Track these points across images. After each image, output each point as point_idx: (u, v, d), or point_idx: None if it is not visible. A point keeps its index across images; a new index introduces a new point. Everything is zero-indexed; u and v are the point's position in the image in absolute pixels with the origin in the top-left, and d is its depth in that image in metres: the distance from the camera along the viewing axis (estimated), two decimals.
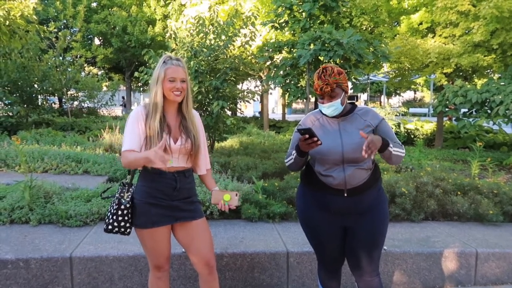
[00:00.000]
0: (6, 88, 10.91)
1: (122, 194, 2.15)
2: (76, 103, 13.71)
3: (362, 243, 2.19)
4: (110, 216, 2.14)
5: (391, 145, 2.05)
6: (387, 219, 2.25)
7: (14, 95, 11.03)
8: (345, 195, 2.14)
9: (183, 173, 2.18)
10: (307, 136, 1.92)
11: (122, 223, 2.12)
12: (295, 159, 2.19)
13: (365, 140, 1.88)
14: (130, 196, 2.15)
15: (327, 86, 2.05)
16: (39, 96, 11.97)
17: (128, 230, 2.16)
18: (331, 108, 2.11)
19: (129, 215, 2.13)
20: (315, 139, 1.92)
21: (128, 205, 2.12)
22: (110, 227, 2.14)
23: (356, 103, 2.31)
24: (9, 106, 11.21)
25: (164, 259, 2.22)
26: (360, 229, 2.19)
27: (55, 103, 14.63)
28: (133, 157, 2.00)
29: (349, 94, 2.24)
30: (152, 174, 2.11)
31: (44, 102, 12.33)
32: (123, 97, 26.80)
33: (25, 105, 11.34)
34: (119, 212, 2.11)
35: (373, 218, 2.19)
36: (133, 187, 2.21)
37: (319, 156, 2.16)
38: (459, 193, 4.29)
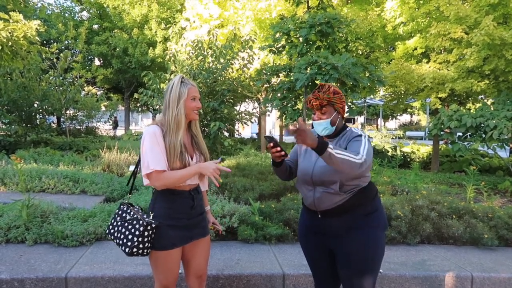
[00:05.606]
0: (5, 107, 10.98)
1: (139, 214, 2.14)
2: (74, 122, 13.76)
3: (345, 267, 2.15)
4: (135, 239, 2.06)
5: (330, 146, 1.84)
6: (373, 244, 2.11)
7: (13, 114, 11.09)
8: (319, 216, 2.18)
9: (197, 190, 2.25)
10: (271, 144, 1.97)
11: (146, 244, 2.08)
12: (272, 167, 2.27)
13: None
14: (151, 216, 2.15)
15: (316, 100, 2.12)
16: (37, 115, 12.04)
17: (149, 250, 2.11)
18: (321, 126, 2.15)
19: (153, 235, 2.10)
20: (279, 149, 1.96)
21: (154, 225, 2.08)
22: (135, 249, 2.06)
23: (353, 126, 2.34)
24: (7, 125, 11.26)
25: (174, 279, 2.22)
26: (341, 252, 2.16)
27: (54, 123, 14.67)
28: (180, 176, 2.05)
29: (344, 117, 2.28)
30: (170, 194, 2.14)
31: (43, 122, 12.36)
32: (115, 117, 26.46)
33: (24, 124, 11.38)
34: (146, 233, 2.07)
35: (353, 242, 2.11)
36: (137, 207, 2.24)
37: (298, 174, 2.26)
38: (454, 216, 4.32)
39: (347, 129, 2.22)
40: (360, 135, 2.11)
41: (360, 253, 2.10)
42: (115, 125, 26.75)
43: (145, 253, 2.11)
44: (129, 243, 2.08)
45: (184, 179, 2.08)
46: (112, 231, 2.22)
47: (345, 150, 1.92)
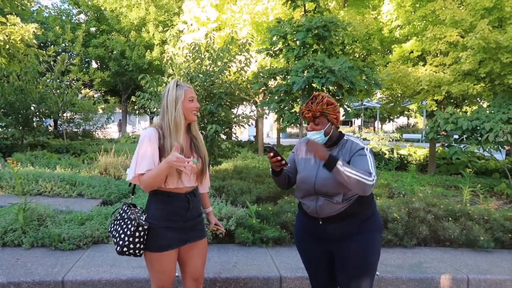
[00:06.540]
0: (2, 110, 10.95)
1: (137, 215, 2.15)
2: (71, 125, 13.71)
3: (344, 270, 2.17)
4: (126, 238, 2.09)
5: (340, 163, 1.87)
6: (371, 247, 2.15)
7: (10, 117, 11.06)
8: (320, 222, 2.19)
9: (193, 193, 2.25)
10: (271, 154, 1.97)
11: (138, 245, 2.10)
12: (272, 176, 2.28)
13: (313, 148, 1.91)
14: (145, 218, 2.15)
15: (309, 112, 2.14)
16: (34, 118, 12.00)
17: (141, 251, 2.13)
18: (314, 136, 2.16)
19: (145, 237, 2.11)
20: (279, 158, 1.97)
21: (146, 227, 2.10)
22: (125, 249, 2.09)
23: (350, 128, 2.36)
24: (4, 128, 11.22)
25: (169, 281, 2.22)
26: (340, 256, 2.18)
27: (50, 126, 14.63)
28: (154, 173, 2.03)
29: (341, 120, 2.29)
30: (166, 197, 2.15)
31: (40, 124, 12.32)
32: (119, 120, 27.13)
33: (21, 127, 11.35)
34: (137, 234, 2.08)
35: (354, 245, 2.14)
36: (138, 208, 2.25)
37: (297, 183, 2.25)
38: (450, 219, 4.34)
39: (346, 139, 2.20)
40: (363, 148, 2.11)
41: (359, 257, 2.14)
42: (121, 128, 27.03)
43: (137, 254, 2.13)
44: (120, 242, 2.11)
45: (159, 177, 2.05)
46: (111, 229, 2.25)
47: (356, 169, 1.93)
